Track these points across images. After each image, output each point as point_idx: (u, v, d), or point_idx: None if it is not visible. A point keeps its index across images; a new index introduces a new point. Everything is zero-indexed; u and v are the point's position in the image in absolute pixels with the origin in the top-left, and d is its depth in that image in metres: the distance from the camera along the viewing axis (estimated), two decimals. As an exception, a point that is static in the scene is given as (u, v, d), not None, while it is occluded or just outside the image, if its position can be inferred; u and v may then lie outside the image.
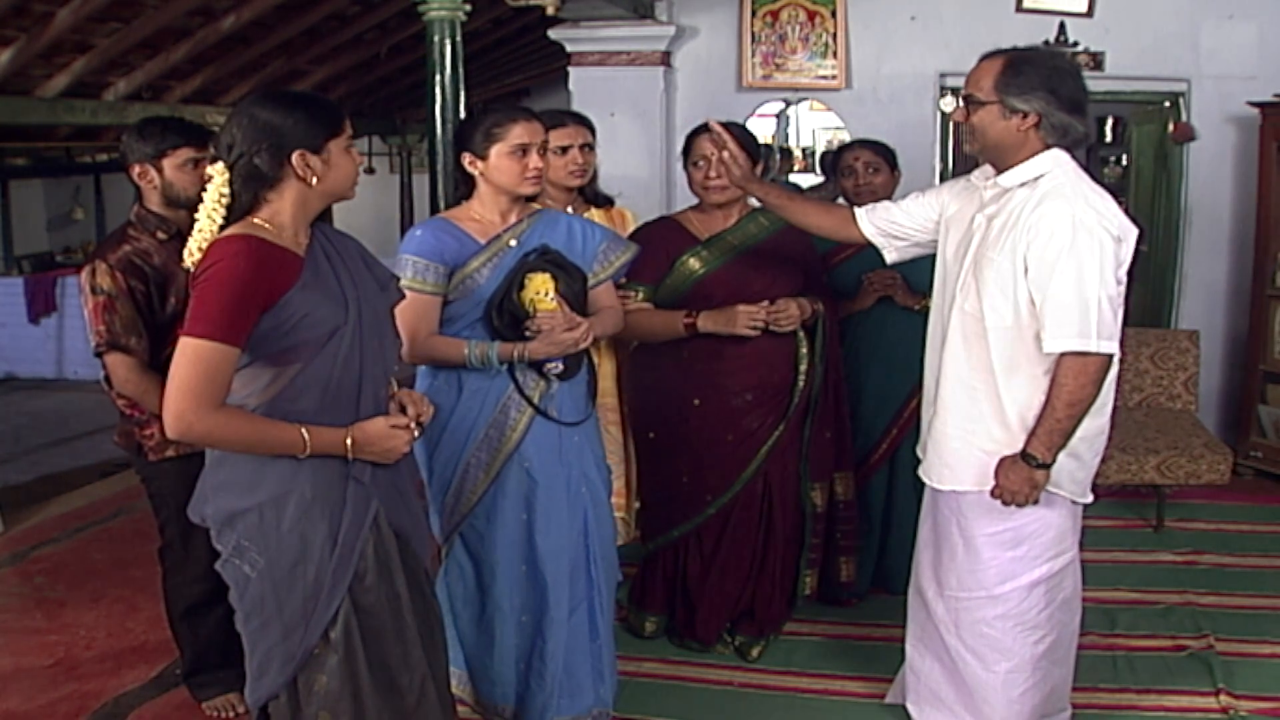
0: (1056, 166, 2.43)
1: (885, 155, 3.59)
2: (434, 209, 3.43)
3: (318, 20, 6.17)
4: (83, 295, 2.78)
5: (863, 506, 3.62)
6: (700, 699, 3.15)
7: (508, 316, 2.63)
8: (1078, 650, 2.80)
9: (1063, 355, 2.38)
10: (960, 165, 5.66)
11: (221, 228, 2.00)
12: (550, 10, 4.52)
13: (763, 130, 8.36)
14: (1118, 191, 2.61)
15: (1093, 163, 8.29)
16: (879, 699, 3.09)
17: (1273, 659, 3.29)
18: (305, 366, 2.02)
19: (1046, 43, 4.94)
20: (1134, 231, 2.46)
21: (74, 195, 10.20)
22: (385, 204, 10.84)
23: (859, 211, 2.88)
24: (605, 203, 3.50)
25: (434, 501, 2.80)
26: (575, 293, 2.70)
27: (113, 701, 3.18)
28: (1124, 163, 7.28)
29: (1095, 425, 2.53)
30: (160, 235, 2.83)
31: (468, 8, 3.41)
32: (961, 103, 2.51)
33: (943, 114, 5.33)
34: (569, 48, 5.62)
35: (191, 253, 2.00)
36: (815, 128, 9.47)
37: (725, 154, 2.95)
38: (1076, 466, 2.54)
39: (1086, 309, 2.34)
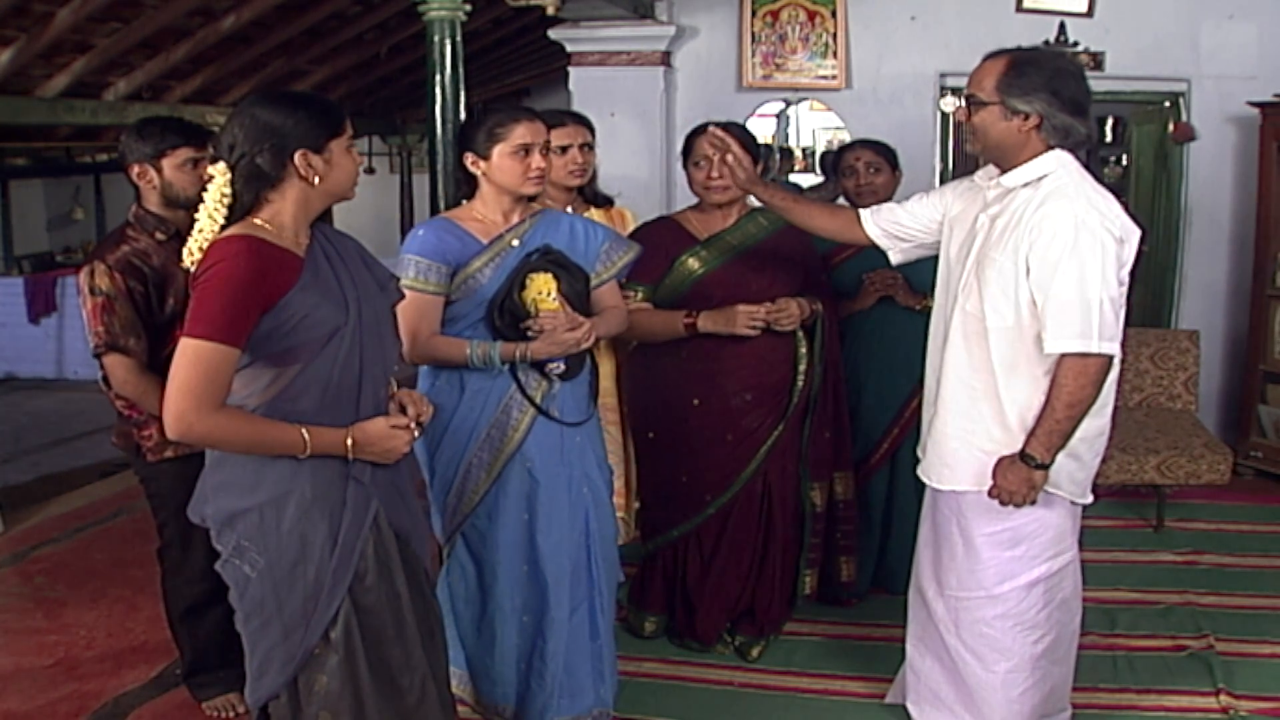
0: (1060, 167, 2.43)
1: (886, 155, 3.59)
2: (434, 209, 3.43)
3: (318, 20, 6.17)
4: (81, 296, 2.77)
5: (863, 506, 3.62)
6: (700, 699, 3.15)
7: (509, 316, 2.63)
8: (1078, 650, 2.80)
9: (1063, 356, 2.38)
10: (960, 165, 5.67)
11: (222, 228, 2.00)
12: (550, 10, 4.52)
13: (763, 130, 8.36)
14: (1118, 192, 2.60)
15: (1093, 163, 8.29)
16: (879, 699, 3.09)
17: (1273, 659, 3.29)
18: (305, 367, 2.02)
19: (1047, 43, 4.94)
20: (1136, 233, 2.46)
21: (74, 195, 10.20)
22: (385, 204, 10.84)
23: (863, 213, 2.89)
24: (605, 203, 3.50)
25: (436, 501, 2.81)
26: (577, 293, 2.70)
27: (113, 701, 3.18)
28: (1124, 163, 7.28)
29: (1095, 426, 2.53)
30: (159, 236, 2.83)
31: (468, 8, 3.41)
32: (963, 102, 2.50)
33: (943, 114, 5.33)
34: (569, 48, 5.62)
35: (191, 252, 2.00)
36: (815, 128, 9.47)
37: (729, 157, 2.95)
38: (1076, 467, 2.54)
39: (1088, 310, 2.34)
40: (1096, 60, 5.05)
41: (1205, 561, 4.05)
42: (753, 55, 5.48)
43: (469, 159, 2.69)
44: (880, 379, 3.58)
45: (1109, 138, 8.55)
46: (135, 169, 2.83)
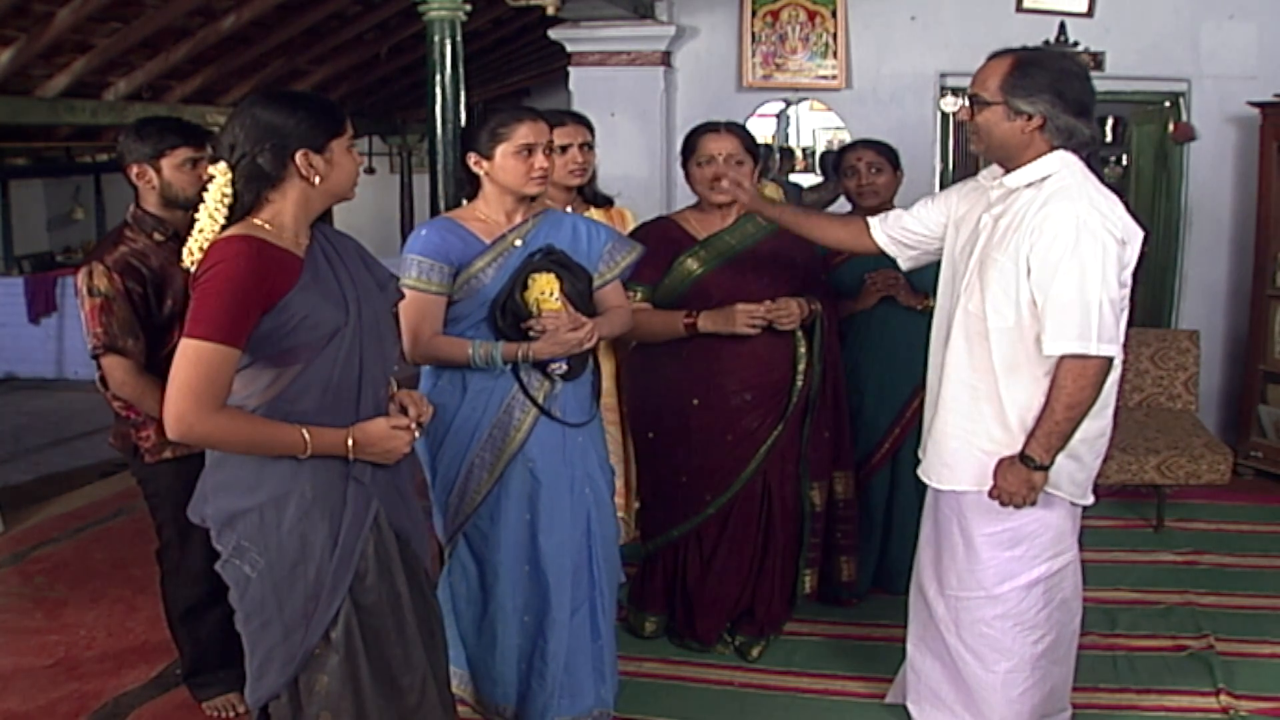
0: (1064, 168, 2.42)
1: (888, 155, 3.59)
2: (434, 209, 3.43)
3: (318, 20, 6.18)
4: (79, 297, 2.76)
5: (864, 506, 3.62)
6: (700, 699, 3.15)
7: (512, 317, 2.63)
8: (1078, 650, 2.80)
9: (1062, 357, 2.37)
10: (960, 165, 5.67)
11: (223, 228, 2.00)
12: (550, 10, 4.52)
13: (763, 130, 8.36)
14: (1118, 192, 2.59)
15: (1093, 163, 8.28)
16: (879, 699, 3.09)
17: (1273, 659, 3.29)
18: (305, 367, 2.02)
19: (1047, 43, 4.94)
20: (1139, 234, 2.44)
21: (74, 195, 10.19)
22: (385, 204, 10.85)
23: (871, 222, 2.88)
24: (604, 202, 3.51)
25: (437, 501, 2.81)
26: (580, 293, 2.70)
27: (113, 701, 3.18)
28: (1124, 163, 7.28)
29: (1096, 427, 2.52)
30: (157, 236, 2.82)
31: (468, 8, 3.41)
32: (966, 102, 2.49)
33: (943, 114, 5.33)
34: (569, 48, 5.62)
35: (192, 252, 1.99)
36: (815, 128, 9.48)
37: (735, 178, 2.95)
38: (1076, 468, 2.53)
39: (1087, 312, 2.33)
40: (1097, 60, 5.05)
41: (1205, 561, 4.05)
42: (753, 55, 5.48)
43: (472, 159, 2.69)
44: (881, 379, 3.58)
45: (1109, 138, 8.54)
46: (134, 169, 2.82)
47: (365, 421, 2.09)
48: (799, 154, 9.26)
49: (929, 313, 3.47)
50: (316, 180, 2.04)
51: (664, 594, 3.42)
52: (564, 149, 3.16)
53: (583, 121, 3.36)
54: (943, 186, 5.45)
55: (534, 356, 2.62)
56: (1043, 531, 2.56)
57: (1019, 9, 5.15)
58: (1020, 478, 2.45)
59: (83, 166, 9.70)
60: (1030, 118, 2.40)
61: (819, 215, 3.11)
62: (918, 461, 2.76)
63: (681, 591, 3.38)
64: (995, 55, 2.47)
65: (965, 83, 2.54)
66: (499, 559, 2.75)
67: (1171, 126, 5.28)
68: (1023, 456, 2.44)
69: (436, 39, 3.36)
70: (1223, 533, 4.35)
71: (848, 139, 5.44)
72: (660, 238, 3.19)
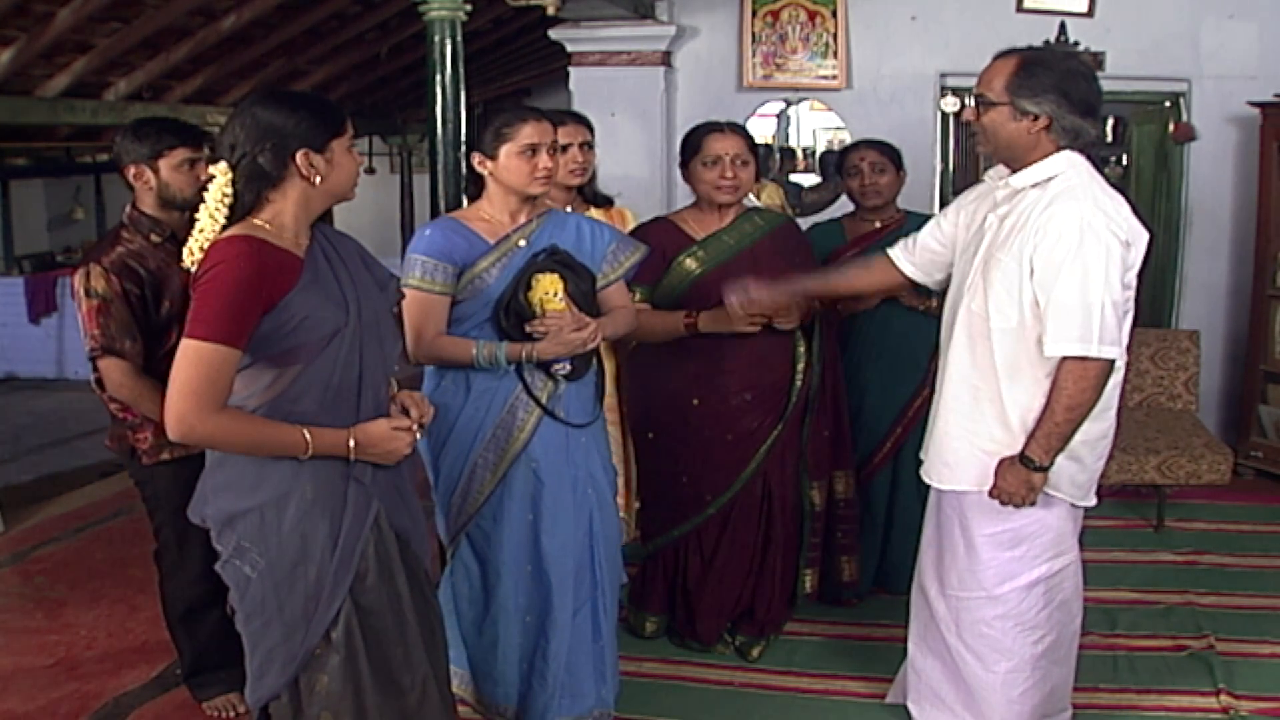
0: (1070, 168, 2.41)
1: (891, 155, 3.59)
2: (434, 209, 3.42)
3: (318, 20, 6.17)
4: (76, 299, 2.74)
5: (865, 506, 3.63)
6: (701, 699, 3.15)
7: (516, 317, 2.63)
8: (1078, 650, 2.79)
9: (1063, 359, 2.37)
10: (960, 165, 5.67)
11: (223, 228, 2.00)
12: (551, 10, 4.52)
13: (763, 130, 8.35)
14: (1119, 191, 2.59)
15: (1093, 163, 8.27)
16: (880, 699, 3.09)
17: (1273, 659, 3.29)
18: (306, 368, 2.02)
19: (1047, 43, 4.94)
20: (1144, 236, 2.43)
21: (74, 195, 10.18)
22: (386, 204, 10.83)
23: (893, 254, 2.87)
24: (605, 203, 3.51)
25: (440, 502, 2.81)
26: (584, 293, 2.70)
27: (113, 701, 3.18)
28: (1124, 163, 7.28)
29: (1098, 429, 2.52)
30: (154, 238, 2.81)
31: (468, 8, 3.40)
32: (972, 102, 2.48)
33: (943, 114, 5.33)
34: (569, 48, 5.62)
35: (192, 252, 1.99)
36: (815, 128, 9.46)
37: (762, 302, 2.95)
38: (1077, 470, 2.53)
39: (1089, 313, 2.32)
40: (1097, 60, 5.04)
41: (1206, 562, 4.05)
42: (753, 55, 5.48)
43: (476, 159, 2.69)
44: (883, 379, 3.58)
45: (1109, 138, 8.54)
46: (131, 170, 2.81)
47: (367, 422, 2.09)
48: (799, 154, 9.25)
49: (931, 313, 3.49)
50: (317, 180, 2.04)
51: (664, 594, 3.42)
52: (564, 148, 3.16)
53: (582, 121, 3.37)
54: (943, 186, 5.46)
55: (538, 357, 2.62)
56: (1043, 532, 2.56)
57: (1019, 9, 5.15)
58: (1019, 478, 2.45)
59: (83, 166, 9.69)
60: (1036, 118, 2.39)
61: (844, 270, 3.06)
62: (919, 461, 2.76)
63: (682, 592, 3.38)
64: (1000, 55, 2.47)
65: (966, 83, 2.55)
66: (501, 559, 2.75)
67: (1172, 126, 5.27)
68: (1022, 457, 2.44)
69: (437, 39, 3.35)
70: (1223, 533, 4.35)
71: (848, 139, 5.44)
72: (658, 238, 3.19)
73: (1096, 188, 2.41)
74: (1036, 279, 2.38)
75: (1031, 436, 2.44)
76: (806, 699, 3.15)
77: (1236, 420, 5.14)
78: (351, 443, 2.05)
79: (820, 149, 8.91)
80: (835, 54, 5.39)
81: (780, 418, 3.24)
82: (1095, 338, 2.33)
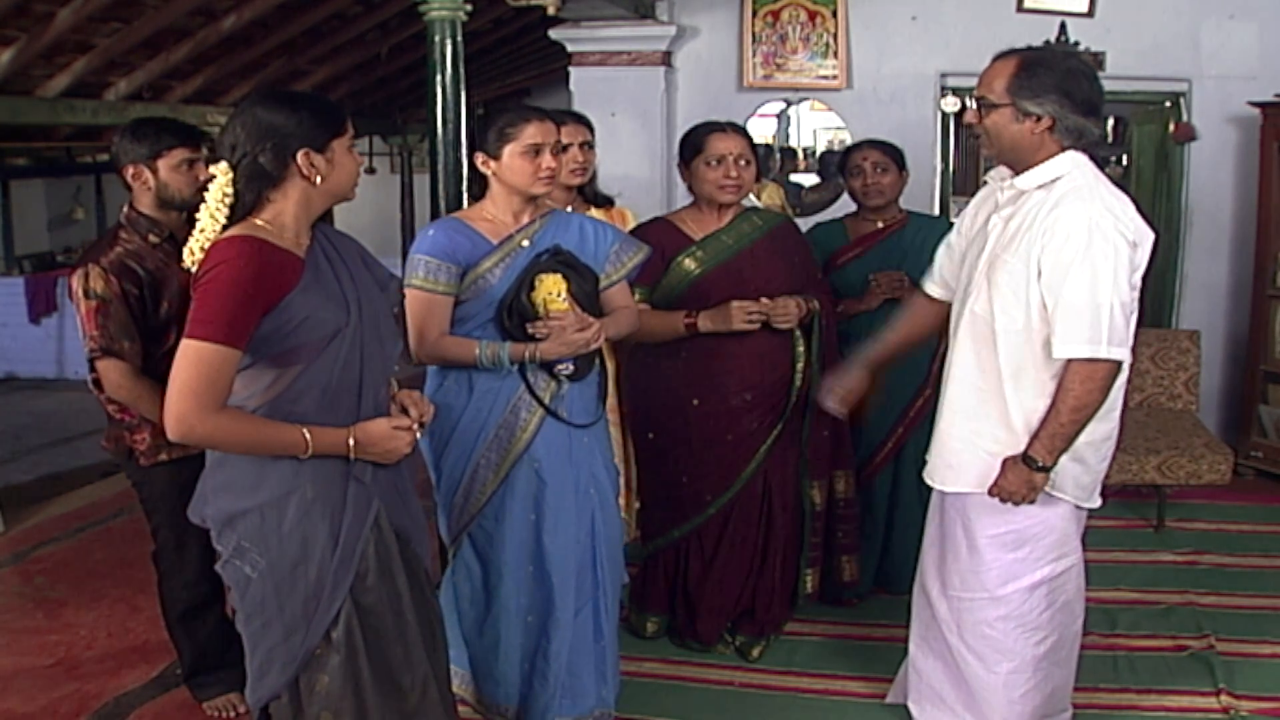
0: (1075, 169, 2.40)
1: (893, 155, 3.58)
2: (434, 209, 3.42)
3: (319, 20, 6.17)
4: (74, 300, 2.73)
5: (866, 506, 3.63)
6: (701, 699, 3.15)
7: (519, 317, 2.63)
8: (1079, 650, 2.79)
9: (1071, 360, 2.36)
10: (960, 165, 5.67)
11: (224, 228, 2.00)
12: (551, 10, 4.52)
13: (764, 130, 8.35)
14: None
15: (1095, 163, 8.26)
16: (880, 699, 3.09)
17: (1273, 659, 3.29)
18: (306, 368, 2.02)
19: (1048, 43, 4.94)
20: (1150, 236, 2.42)
21: (75, 195, 10.18)
22: (386, 204, 10.83)
23: (926, 286, 2.85)
24: (605, 203, 3.51)
25: (442, 502, 2.81)
26: (587, 293, 2.70)
27: (113, 701, 3.18)
28: (1124, 163, 7.28)
29: (1102, 430, 2.51)
30: (152, 238, 2.81)
31: (468, 8, 3.40)
32: (974, 105, 2.47)
33: (943, 114, 5.33)
34: (570, 48, 5.62)
35: (193, 252, 1.99)
36: (816, 128, 9.45)
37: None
38: (1081, 471, 2.52)
39: (1098, 315, 2.31)
40: (1097, 60, 5.04)
41: (1206, 562, 4.05)
42: (753, 55, 5.48)
43: (479, 159, 2.69)
44: (885, 379, 3.56)
45: (1109, 138, 8.53)
46: (130, 170, 2.80)
47: (367, 421, 2.09)
48: (800, 154, 9.24)
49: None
50: (318, 180, 2.04)
51: (665, 595, 3.42)
52: (564, 148, 3.16)
53: (583, 121, 3.37)
54: (943, 186, 5.47)
55: (541, 357, 2.62)
56: (1047, 534, 2.55)
57: (1020, 9, 5.15)
58: (1021, 477, 2.45)
59: (83, 166, 9.69)
60: (1039, 119, 2.38)
61: (893, 325, 2.98)
62: (921, 462, 2.75)
63: (682, 592, 3.38)
64: (1000, 56, 2.45)
65: (966, 83, 2.54)
66: (503, 559, 2.75)
67: (1172, 127, 5.27)
68: (1025, 457, 2.43)
69: (437, 39, 3.35)
70: (1223, 533, 4.35)
71: (848, 139, 5.44)
72: (657, 239, 3.19)
73: (1103, 188, 2.39)
74: (1044, 281, 2.36)
75: (1035, 436, 2.43)
76: (807, 699, 3.15)
77: (1237, 420, 5.14)
78: (351, 442, 2.05)
79: (820, 149, 8.90)
80: (835, 54, 5.39)
81: (780, 417, 3.24)
82: (1104, 339, 2.32)
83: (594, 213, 3.34)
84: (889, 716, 3.02)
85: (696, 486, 3.26)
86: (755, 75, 5.50)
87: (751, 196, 3.29)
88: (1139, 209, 2.44)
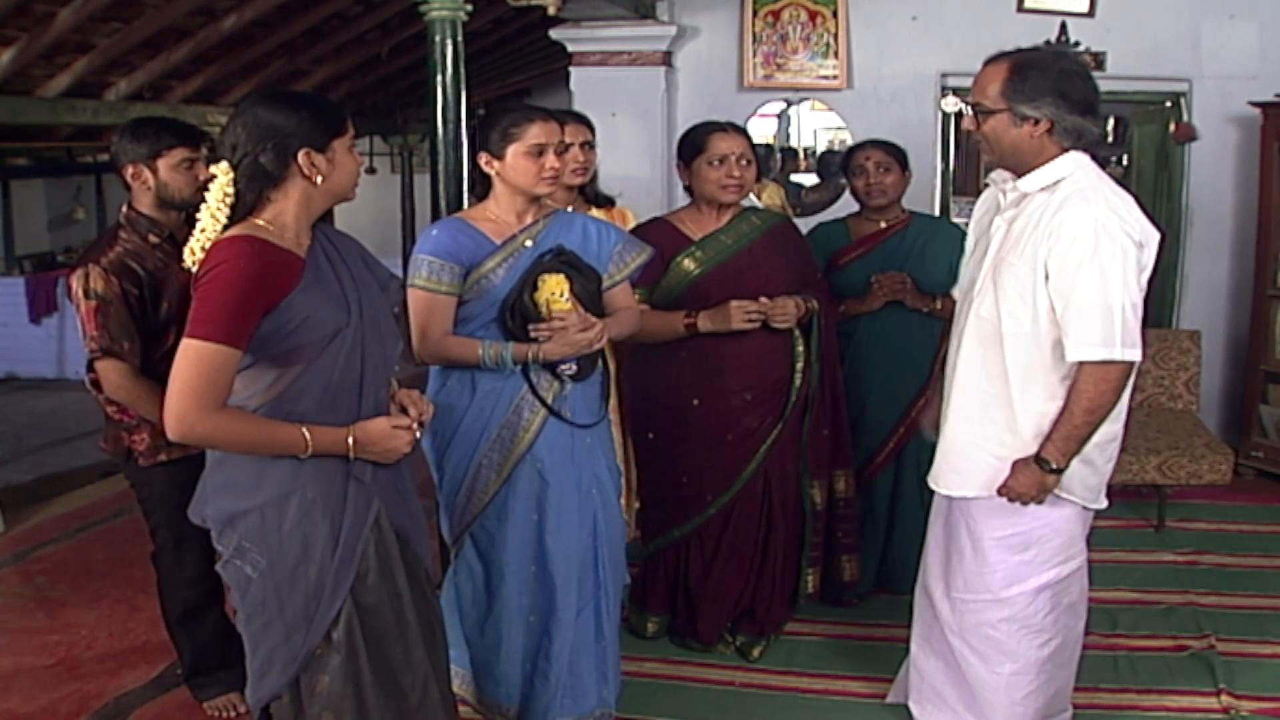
0: (1078, 169, 2.39)
1: (896, 155, 3.58)
2: (435, 209, 3.42)
3: (319, 20, 6.17)
4: (74, 300, 2.73)
5: (868, 506, 3.63)
6: (701, 699, 3.15)
7: (521, 317, 2.63)
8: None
9: (1084, 362, 2.35)
10: (961, 165, 5.67)
11: (225, 228, 2.00)
12: (551, 10, 4.51)
13: (764, 130, 8.35)
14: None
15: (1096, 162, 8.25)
16: (881, 699, 3.09)
17: (1274, 659, 3.29)
18: (307, 368, 2.02)
19: (1048, 43, 4.94)
20: (1155, 236, 2.40)
21: (75, 195, 10.18)
22: (386, 204, 10.83)
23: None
24: (606, 203, 3.51)
25: (444, 502, 2.81)
26: (590, 294, 2.70)
27: (114, 701, 3.18)
28: (1125, 163, 7.28)
29: (1109, 430, 2.49)
30: (152, 238, 2.80)
31: (469, 8, 3.40)
32: (970, 111, 2.45)
33: (944, 114, 5.33)
34: (570, 48, 5.62)
35: (193, 252, 1.99)
36: (816, 128, 9.45)
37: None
38: (1089, 472, 2.51)
39: (1110, 317, 2.30)
40: (1097, 60, 5.04)
41: (1206, 562, 4.05)
42: (754, 55, 5.48)
43: (483, 159, 2.69)
44: (886, 379, 3.57)
45: (1110, 138, 8.53)
46: (130, 170, 2.80)
47: (366, 421, 2.09)
48: (801, 154, 9.24)
49: (935, 314, 3.49)
50: (318, 180, 2.04)
51: (666, 595, 3.42)
52: (566, 148, 3.16)
53: (583, 120, 3.37)
54: (944, 186, 5.47)
55: (544, 357, 2.62)
56: (1053, 536, 2.54)
57: (1020, 9, 5.15)
58: (1033, 479, 2.43)
59: (84, 166, 9.70)
60: (1037, 122, 2.36)
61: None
62: (922, 462, 2.74)
63: (683, 592, 3.38)
64: (990, 61, 2.43)
65: (966, 83, 2.52)
66: (506, 559, 2.75)
67: (1172, 126, 5.27)
68: (1038, 459, 2.42)
69: (437, 39, 3.35)
70: (1224, 533, 4.35)
71: (849, 140, 5.45)
72: (656, 239, 3.18)
73: (1107, 189, 2.38)
74: (1052, 284, 2.35)
75: (1049, 439, 2.41)
76: (807, 699, 3.15)
77: (1237, 420, 5.14)
78: (351, 441, 2.05)
79: (821, 149, 8.90)
80: (836, 54, 5.39)
81: (780, 417, 3.24)
82: (1117, 340, 2.31)
83: (595, 213, 3.34)
84: (890, 717, 3.01)
85: (697, 486, 3.26)
86: (756, 75, 5.50)
87: (752, 196, 3.29)
88: (1143, 209, 2.43)
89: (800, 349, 3.23)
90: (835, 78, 5.42)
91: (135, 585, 3.89)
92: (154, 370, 2.67)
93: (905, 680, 2.95)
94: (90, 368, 2.75)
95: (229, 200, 2.00)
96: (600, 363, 2.82)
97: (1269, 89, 4.77)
